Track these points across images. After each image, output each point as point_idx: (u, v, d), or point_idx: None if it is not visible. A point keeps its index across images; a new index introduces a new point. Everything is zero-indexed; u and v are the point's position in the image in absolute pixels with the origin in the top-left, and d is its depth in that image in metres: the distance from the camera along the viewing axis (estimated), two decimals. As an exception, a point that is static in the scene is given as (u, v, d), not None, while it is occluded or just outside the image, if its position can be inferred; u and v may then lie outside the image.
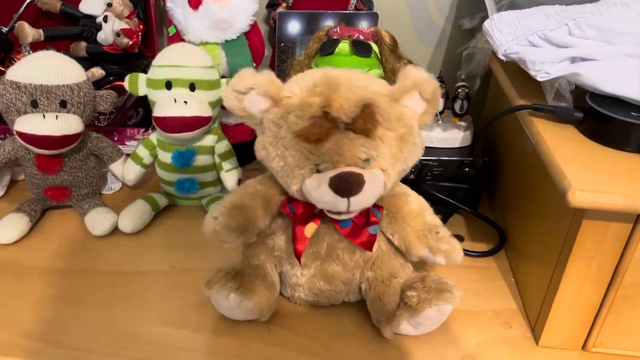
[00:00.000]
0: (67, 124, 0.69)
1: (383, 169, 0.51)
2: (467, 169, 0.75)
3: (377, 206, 0.56)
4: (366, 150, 0.50)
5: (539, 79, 0.57)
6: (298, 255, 0.56)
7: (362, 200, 0.51)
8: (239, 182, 0.76)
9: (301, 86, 0.51)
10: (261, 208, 0.58)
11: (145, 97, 0.75)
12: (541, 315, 0.58)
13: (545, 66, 0.56)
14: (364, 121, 0.49)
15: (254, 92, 0.52)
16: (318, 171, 0.51)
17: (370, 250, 0.57)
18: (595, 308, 0.55)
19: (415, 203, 0.59)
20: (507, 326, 0.61)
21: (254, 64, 0.83)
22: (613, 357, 0.57)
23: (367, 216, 0.55)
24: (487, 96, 0.91)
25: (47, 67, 0.68)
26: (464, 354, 0.58)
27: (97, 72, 0.86)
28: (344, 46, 0.73)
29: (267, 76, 0.52)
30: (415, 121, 0.53)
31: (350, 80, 0.51)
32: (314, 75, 0.52)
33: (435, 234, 0.57)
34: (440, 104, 0.79)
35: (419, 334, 0.58)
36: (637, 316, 0.55)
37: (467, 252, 0.72)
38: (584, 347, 0.58)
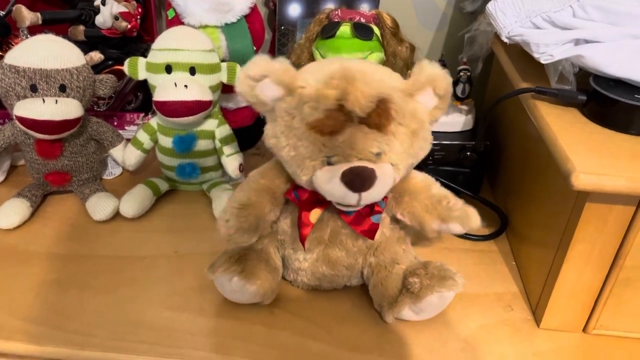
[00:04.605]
0: (67, 108, 0.68)
1: (393, 163, 0.51)
2: (468, 153, 0.75)
3: None
4: (379, 144, 0.50)
5: (542, 61, 0.57)
6: (303, 240, 0.56)
7: (373, 195, 0.51)
8: (240, 167, 0.76)
9: (316, 77, 0.50)
10: (268, 202, 0.58)
11: (144, 82, 0.74)
12: (542, 298, 0.59)
13: (549, 48, 0.55)
14: (379, 116, 0.48)
15: (267, 80, 0.51)
16: (329, 163, 0.50)
17: (372, 238, 0.57)
18: (597, 290, 0.56)
19: (419, 178, 0.59)
20: (508, 309, 0.62)
21: (254, 48, 0.82)
22: (614, 339, 0.58)
23: (372, 205, 0.55)
24: (489, 79, 0.90)
25: (47, 51, 0.68)
26: (465, 337, 0.58)
27: (96, 56, 0.85)
28: (345, 29, 0.73)
29: (283, 65, 0.51)
30: (427, 116, 0.53)
31: (366, 73, 0.50)
32: (330, 66, 0.51)
33: (446, 204, 0.56)
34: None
35: (420, 319, 0.59)
36: (639, 298, 0.55)
37: (469, 236, 0.72)
38: (584, 329, 0.59)
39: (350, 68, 0.50)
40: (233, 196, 0.58)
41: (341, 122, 0.48)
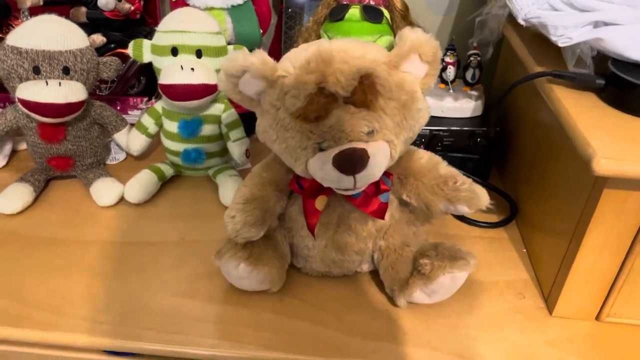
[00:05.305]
0: (71, 91, 0.67)
1: (388, 140, 0.50)
2: (479, 139, 0.74)
3: (386, 173, 0.55)
4: (368, 123, 0.48)
5: (560, 44, 0.56)
6: (311, 228, 0.55)
7: (368, 176, 0.50)
8: (247, 152, 0.75)
9: (294, 64, 0.49)
10: (273, 194, 0.57)
11: (147, 66, 0.73)
12: (555, 285, 0.58)
13: (568, 31, 0.54)
14: (364, 93, 0.47)
15: (247, 75, 0.50)
16: (321, 149, 0.49)
17: (383, 218, 0.56)
18: (612, 278, 0.55)
19: (425, 158, 0.58)
20: (520, 297, 0.61)
21: (260, 31, 0.81)
22: (627, 327, 0.57)
23: (377, 184, 0.54)
24: (498, 64, 0.89)
25: (49, 32, 0.66)
26: (477, 325, 0.57)
27: (98, 38, 0.84)
28: (354, 12, 0.72)
29: (260, 57, 0.50)
30: (417, 86, 0.51)
31: (345, 51, 0.48)
32: (307, 50, 0.49)
33: (453, 184, 0.55)
34: (452, 72, 0.77)
35: (432, 302, 0.58)
36: (654, 286, 0.55)
37: (478, 223, 0.71)
38: (597, 317, 0.58)
39: (327, 49, 0.48)
40: (237, 192, 0.57)
41: (325, 105, 0.47)
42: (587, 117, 0.52)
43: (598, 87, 0.56)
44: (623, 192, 0.49)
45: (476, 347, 0.55)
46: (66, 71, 0.67)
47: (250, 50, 0.52)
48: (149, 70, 0.74)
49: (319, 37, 0.75)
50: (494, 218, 0.72)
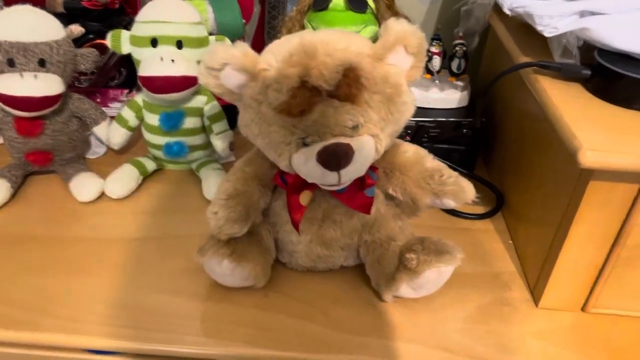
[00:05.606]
0: (47, 84, 0.65)
1: (373, 134, 0.49)
2: (464, 130, 0.73)
3: (372, 168, 0.54)
4: (353, 117, 0.47)
5: (546, 34, 0.55)
6: (296, 224, 0.55)
7: (352, 171, 0.49)
8: (231, 145, 0.73)
9: (277, 56, 0.48)
10: (257, 189, 0.56)
11: (129, 57, 0.71)
12: (541, 277, 0.58)
13: (554, 20, 0.53)
14: (348, 87, 0.46)
15: (229, 68, 0.49)
16: (305, 144, 0.48)
17: (368, 213, 0.55)
18: (597, 269, 0.55)
19: (410, 152, 0.57)
20: (506, 288, 0.61)
21: (243, 20, 0.79)
22: (612, 318, 0.57)
23: (363, 179, 0.53)
24: (483, 54, 0.88)
25: (24, 23, 0.64)
26: (464, 317, 0.57)
27: (76, 29, 0.81)
28: (338, 1, 0.71)
29: (242, 49, 0.48)
30: (403, 78, 0.50)
31: (329, 43, 0.47)
32: (290, 42, 0.48)
33: (439, 177, 0.55)
34: (438, 63, 0.76)
35: (418, 296, 0.58)
36: (639, 277, 0.54)
37: (464, 215, 0.71)
38: (583, 308, 0.58)
39: (310, 41, 0.47)
40: (219, 187, 0.56)
41: (308, 99, 0.46)
42: (573, 108, 0.51)
43: (584, 77, 0.55)
44: (609, 184, 0.49)
45: (463, 341, 0.55)
46: (42, 63, 0.65)
47: (233, 41, 0.51)
48: (129, 62, 0.72)
49: (302, 27, 0.73)
50: (480, 210, 0.72)
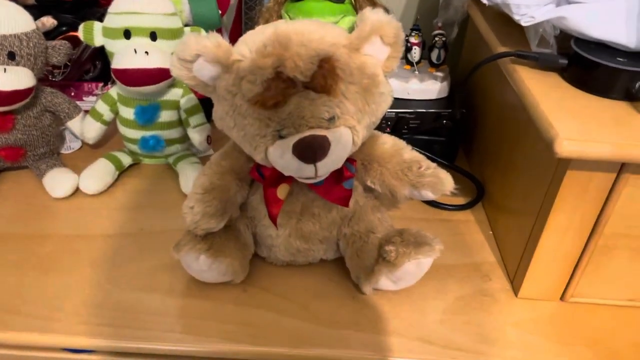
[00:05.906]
0: (17, 78, 0.63)
1: (350, 126, 0.48)
2: (444, 121, 0.73)
3: (350, 160, 0.53)
4: (329, 109, 0.47)
5: (523, 23, 0.55)
6: (273, 218, 0.54)
7: (329, 164, 0.48)
8: (208, 139, 0.72)
9: (250, 47, 0.47)
10: (233, 183, 0.55)
11: (103, 50, 0.69)
12: (520, 267, 0.58)
13: (530, 10, 0.53)
14: (324, 78, 0.45)
15: (202, 59, 0.48)
16: (281, 137, 0.48)
17: (347, 206, 0.55)
18: (575, 258, 0.55)
19: (388, 143, 0.57)
20: (486, 279, 0.61)
21: (219, 12, 0.78)
22: (590, 306, 0.58)
23: (341, 171, 0.52)
24: (464, 45, 0.88)
25: (-9, 15, 0.62)
26: (444, 308, 0.57)
27: (48, 21, 0.79)
28: (316, -9, 0.69)
29: (214, 40, 0.47)
30: (379, 69, 0.50)
31: (303, 33, 0.46)
32: (264, 33, 0.47)
33: (417, 169, 0.55)
34: (417, 53, 0.76)
35: (398, 288, 0.57)
36: (616, 266, 0.55)
37: (444, 206, 0.71)
38: (562, 297, 0.58)
39: (284, 31, 0.46)
40: (195, 182, 0.55)
41: (283, 91, 0.45)
42: (550, 97, 0.51)
43: (561, 66, 0.55)
44: (586, 173, 0.49)
45: (443, 332, 0.55)
46: (11, 56, 0.63)
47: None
48: (104, 54, 0.71)
49: (280, 17, 0.72)
50: (460, 200, 0.72)
